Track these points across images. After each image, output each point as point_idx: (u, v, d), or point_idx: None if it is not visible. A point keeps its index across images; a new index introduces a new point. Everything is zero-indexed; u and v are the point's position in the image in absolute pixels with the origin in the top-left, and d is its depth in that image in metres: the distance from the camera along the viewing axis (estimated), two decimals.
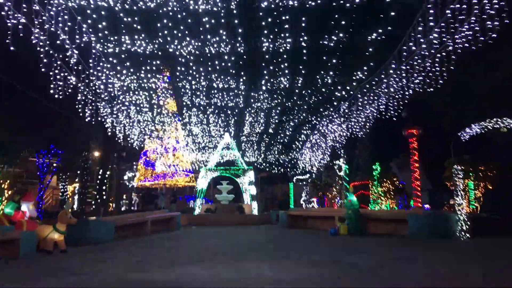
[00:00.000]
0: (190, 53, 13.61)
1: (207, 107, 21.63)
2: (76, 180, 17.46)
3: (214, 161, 23.81)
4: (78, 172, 13.57)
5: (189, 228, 17.78)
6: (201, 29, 11.72)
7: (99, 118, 11.13)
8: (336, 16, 10.41)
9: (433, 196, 28.21)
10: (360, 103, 12.11)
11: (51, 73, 7.91)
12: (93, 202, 15.35)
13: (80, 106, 10.00)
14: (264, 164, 29.96)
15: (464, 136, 10.59)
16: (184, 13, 10.86)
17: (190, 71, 16.36)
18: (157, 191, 29.61)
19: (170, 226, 16.38)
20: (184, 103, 23.15)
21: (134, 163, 25.99)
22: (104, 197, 14.94)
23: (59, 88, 8.22)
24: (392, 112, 11.18)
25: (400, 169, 25.76)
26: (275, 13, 10.74)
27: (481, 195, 21.70)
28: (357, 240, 11.38)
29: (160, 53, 12.86)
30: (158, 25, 11.12)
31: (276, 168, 29.38)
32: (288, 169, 28.04)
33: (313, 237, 12.84)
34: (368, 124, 12.26)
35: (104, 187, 15.77)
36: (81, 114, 10.28)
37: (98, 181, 15.91)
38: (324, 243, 10.80)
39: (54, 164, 18.32)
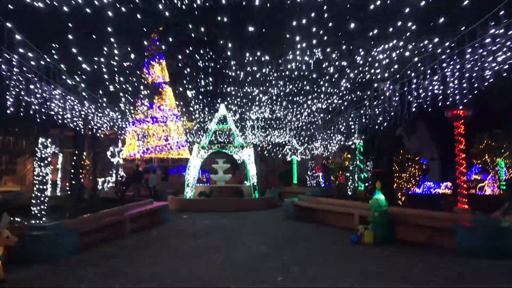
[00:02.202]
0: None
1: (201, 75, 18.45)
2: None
3: (208, 137, 20.96)
4: (36, 158, 10.68)
5: (179, 220, 15.29)
6: None
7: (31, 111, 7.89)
8: None
9: (443, 170, 25.77)
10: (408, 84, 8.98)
11: None
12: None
13: None
14: (266, 145, 27.13)
15: None
16: None
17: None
18: (148, 167, 27.03)
19: (155, 221, 13.85)
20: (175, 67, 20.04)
21: (120, 136, 23.14)
22: (75, 189, 12.21)
23: None
24: (457, 101, 8.00)
25: (409, 137, 23.16)
26: None
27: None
28: (389, 256, 8.82)
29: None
30: None
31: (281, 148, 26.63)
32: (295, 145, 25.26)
33: (330, 244, 10.30)
34: (413, 110, 9.22)
35: (77, 175, 13.03)
36: None
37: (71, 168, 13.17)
38: (351, 263, 8.25)
39: None
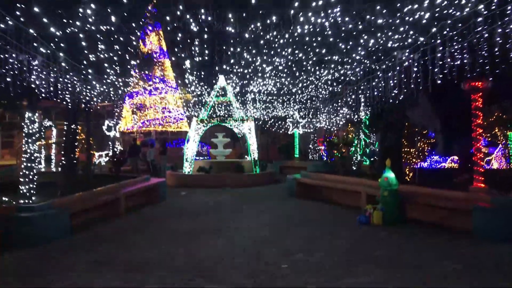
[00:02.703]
0: None
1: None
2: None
3: (207, 110, 20.16)
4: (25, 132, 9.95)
5: (177, 197, 14.76)
6: None
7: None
8: None
9: (446, 143, 25.00)
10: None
11: None
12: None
13: None
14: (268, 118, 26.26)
15: None
16: None
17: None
18: (146, 140, 26.38)
19: (152, 198, 13.28)
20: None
21: (115, 109, 22.35)
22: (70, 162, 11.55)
23: None
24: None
25: (413, 108, 22.41)
26: None
27: None
28: (400, 239, 8.26)
29: None
30: None
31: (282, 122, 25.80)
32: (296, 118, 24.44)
33: (337, 225, 9.73)
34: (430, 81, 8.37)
35: (69, 149, 12.35)
36: None
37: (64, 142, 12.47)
38: (361, 247, 7.70)
39: None
